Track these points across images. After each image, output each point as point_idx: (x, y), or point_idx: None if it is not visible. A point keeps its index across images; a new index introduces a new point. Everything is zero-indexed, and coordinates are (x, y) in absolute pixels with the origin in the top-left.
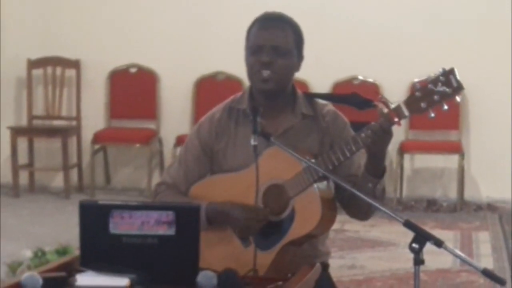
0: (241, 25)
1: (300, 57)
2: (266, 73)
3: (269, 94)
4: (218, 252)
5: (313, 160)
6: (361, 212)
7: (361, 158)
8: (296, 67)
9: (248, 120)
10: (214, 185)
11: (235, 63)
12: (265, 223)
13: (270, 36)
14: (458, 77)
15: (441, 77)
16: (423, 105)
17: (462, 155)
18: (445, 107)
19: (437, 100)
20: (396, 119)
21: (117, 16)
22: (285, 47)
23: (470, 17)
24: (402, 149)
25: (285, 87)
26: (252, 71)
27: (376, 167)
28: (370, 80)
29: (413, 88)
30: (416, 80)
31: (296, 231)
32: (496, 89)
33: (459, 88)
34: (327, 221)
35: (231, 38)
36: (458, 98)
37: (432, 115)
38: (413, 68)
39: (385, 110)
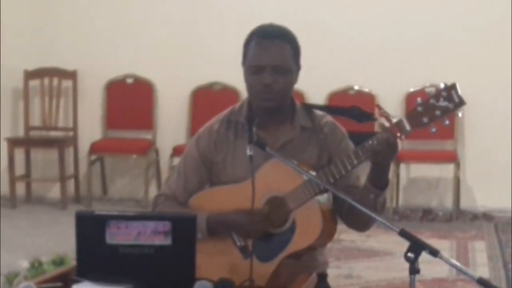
0: (238, 35)
1: (298, 69)
2: (268, 94)
3: (271, 111)
4: (217, 263)
5: (313, 173)
6: (360, 223)
7: (359, 169)
8: (295, 80)
9: (246, 131)
10: (213, 196)
11: (231, 74)
12: (266, 223)
13: (270, 56)
14: (460, 93)
15: (443, 92)
16: (424, 120)
17: (457, 164)
18: (447, 122)
19: (439, 115)
20: (398, 134)
21: (113, 27)
22: (285, 66)
23: (465, 27)
24: (398, 159)
25: (286, 102)
26: (253, 91)
27: (379, 178)
28: (366, 90)
29: (415, 103)
30: (411, 89)
31: (297, 243)
32: (491, 99)
33: (460, 103)
34: (327, 234)
35: (228, 48)
36: (459, 113)
37: (434, 130)
38: (408, 78)
39: (387, 124)
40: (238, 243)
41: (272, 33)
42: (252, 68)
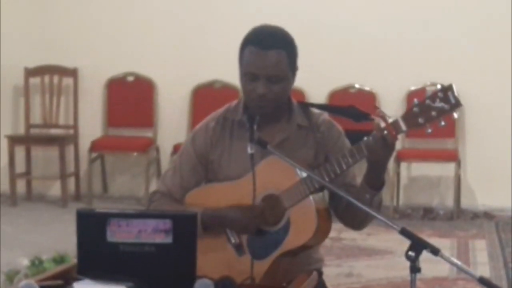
0: (238, 34)
1: (294, 73)
2: (262, 103)
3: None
4: (213, 261)
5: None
6: (356, 221)
7: (356, 168)
8: (292, 84)
9: (243, 130)
10: (209, 193)
11: (232, 72)
12: (261, 220)
13: (264, 66)
14: (456, 94)
15: (439, 93)
16: (420, 120)
17: (458, 163)
18: (442, 123)
19: (435, 116)
20: (393, 133)
21: (114, 25)
22: (280, 75)
23: (466, 26)
24: (399, 158)
25: (281, 105)
26: (248, 97)
27: (375, 179)
28: (367, 88)
29: (412, 103)
30: (412, 88)
31: (291, 242)
32: (492, 98)
33: (457, 105)
34: (322, 232)
35: (228, 46)
36: (455, 115)
37: (429, 130)
38: (409, 76)
39: (383, 124)
40: (233, 240)
41: (268, 42)
42: (247, 76)
